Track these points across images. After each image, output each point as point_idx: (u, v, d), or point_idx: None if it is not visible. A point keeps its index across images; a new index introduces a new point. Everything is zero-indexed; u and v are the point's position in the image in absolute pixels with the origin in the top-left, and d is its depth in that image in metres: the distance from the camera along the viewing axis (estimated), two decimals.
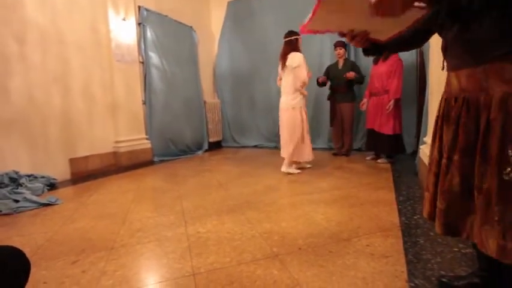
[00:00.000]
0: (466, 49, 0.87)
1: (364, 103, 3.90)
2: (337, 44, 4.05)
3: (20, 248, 0.76)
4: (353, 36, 0.98)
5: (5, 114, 2.81)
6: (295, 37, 3.26)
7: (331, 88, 4.22)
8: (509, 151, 0.77)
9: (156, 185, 3.03)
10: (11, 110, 2.87)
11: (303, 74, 3.17)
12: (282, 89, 3.37)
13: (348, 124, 4.14)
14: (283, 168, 3.34)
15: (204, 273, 1.32)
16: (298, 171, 3.33)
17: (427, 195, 1.06)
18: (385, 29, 0.96)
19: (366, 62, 4.41)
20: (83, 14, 3.59)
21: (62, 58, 3.36)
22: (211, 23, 5.95)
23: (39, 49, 3.12)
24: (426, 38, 1.14)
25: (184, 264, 1.40)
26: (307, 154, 3.33)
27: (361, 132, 4.78)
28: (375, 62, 3.75)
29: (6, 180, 2.60)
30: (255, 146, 5.59)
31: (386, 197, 2.34)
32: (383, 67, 3.58)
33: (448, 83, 0.99)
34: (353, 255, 1.45)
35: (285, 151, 3.34)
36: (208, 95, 5.79)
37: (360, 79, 4.00)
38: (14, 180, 2.66)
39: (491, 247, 0.80)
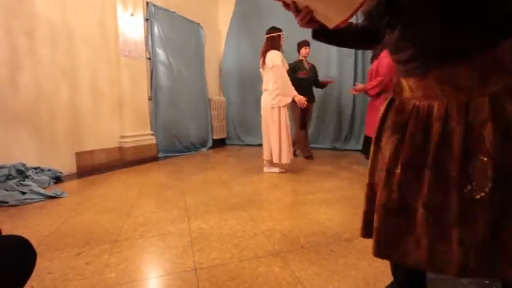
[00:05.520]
0: (412, 54, 0.76)
1: (355, 88, 3.70)
2: (305, 43, 4.02)
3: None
4: (297, 9, 0.85)
5: (13, 108, 2.85)
6: (276, 34, 3.18)
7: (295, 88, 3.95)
8: (470, 168, 0.69)
9: (160, 181, 3.05)
10: (20, 104, 2.91)
11: (281, 72, 3.08)
12: (263, 87, 3.32)
13: (309, 124, 4.27)
14: (265, 169, 3.35)
15: (205, 268, 1.33)
16: (282, 170, 3.32)
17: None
18: (329, 12, 0.85)
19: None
20: (92, 9, 3.62)
21: (70, 53, 3.39)
22: (219, 20, 5.96)
23: (48, 43, 3.16)
24: (376, 39, 0.96)
25: (186, 259, 1.42)
26: (283, 157, 3.21)
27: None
28: (371, 61, 3.64)
29: (13, 173, 2.64)
30: (260, 145, 5.57)
31: None
32: (373, 66, 3.36)
33: (396, 85, 0.87)
34: (355, 255, 1.44)
35: (267, 152, 3.30)
36: (214, 93, 5.81)
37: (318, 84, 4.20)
38: (21, 173, 2.70)
39: (452, 267, 0.72)
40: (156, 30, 4.42)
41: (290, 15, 0.94)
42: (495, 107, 0.65)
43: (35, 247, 0.79)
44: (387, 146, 0.85)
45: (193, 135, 5.08)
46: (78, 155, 3.48)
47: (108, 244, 1.58)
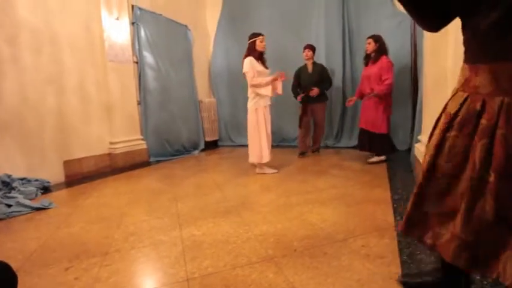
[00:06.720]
0: None
1: (351, 100, 3.88)
2: (305, 47, 4.21)
3: (7, 262, 0.74)
4: None
5: None
6: (252, 40, 3.26)
7: (302, 91, 4.18)
8: None
9: (152, 187, 3.01)
10: (5, 112, 2.82)
11: (249, 77, 3.21)
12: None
13: (321, 123, 4.34)
14: (257, 170, 3.36)
15: (198, 278, 1.31)
16: (274, 170, 3.33)
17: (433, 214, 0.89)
18: None
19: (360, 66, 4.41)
20: (76, 14, 3.54)
21: (55, 59, 3.31)
22: (207, 21, 5.90)
23: (32, 50, 3.07)
24: (443, 20, 0.89)
25: (178, 269, 1.39)
26: (264, 156, 3.25)
27: (357, 130, 4.78)
28: (366, 63, 3.70)
29: None
30: None
31: (382, 196, 2.34)
32: (373, 69, 3.47)
33: (470, 79, 0.79)
34: (348, 256, 1.44)
35: (250, 154, 3.33)
36: (204, 94, 5.76)
37: (327, 86, 4.23)
38: (7, 184, 2.63)
39: None
40: (142, 33, 4.35)
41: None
42: None
43: (22, 263, 0.76)
44: (470, 150, 0.77)
45: (184, 138, 5.03)
46: (67, 163, 3.40)
47: (98, 257, 1.55)
